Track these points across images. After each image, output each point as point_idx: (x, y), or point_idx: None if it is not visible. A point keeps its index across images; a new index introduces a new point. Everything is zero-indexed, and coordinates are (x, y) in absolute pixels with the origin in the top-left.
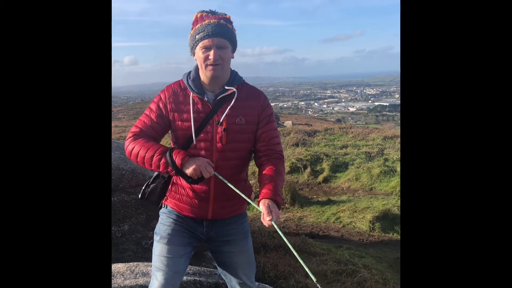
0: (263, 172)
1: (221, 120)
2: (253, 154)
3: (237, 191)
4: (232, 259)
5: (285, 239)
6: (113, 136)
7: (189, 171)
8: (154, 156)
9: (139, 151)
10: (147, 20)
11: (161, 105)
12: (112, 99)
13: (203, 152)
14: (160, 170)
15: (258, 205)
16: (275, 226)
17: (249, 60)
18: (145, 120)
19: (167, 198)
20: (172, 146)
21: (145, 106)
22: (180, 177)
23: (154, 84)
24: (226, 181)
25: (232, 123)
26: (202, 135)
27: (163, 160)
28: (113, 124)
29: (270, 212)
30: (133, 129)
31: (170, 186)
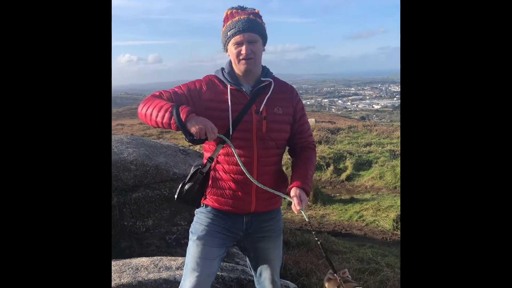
0: (296, 161)
1: (260, 109)
2: (287, 146)
3: (264, 187)
4: (266, 255)
5: (306, 217)
6: (137, 133)
7: (193, 129)
8: (163, 108)
9: (149, 106)
10: (170, 18)
11: (191, 87)
12: (137, 96)
13: (243, 142)
14: (164, 122)
15: (289, 193)
16: (303, 213)
17: (271, 57)
18: (170, 91)
19: (205, 197)
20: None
21: None
22: (221, 171)
23: (178, 82)
24: (236, 155)
25: (271, 112)
26: (241, 125)
27: (170, 110)
28: (137, 121)
29: (300, 201)
30: (154, 93)
31: (210, 182)
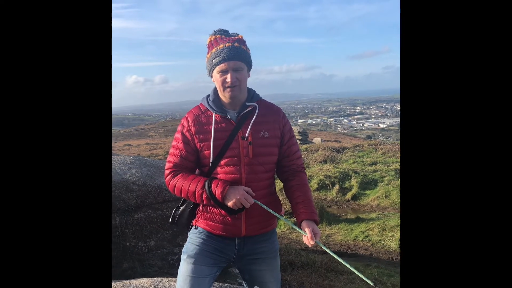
0: (293, 188)
1: (246, 135)
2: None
3: (277, 215)
4: (261, 277)
5: (332, 254)
6: (144, 154)
7: (230, 203)
8: (196, 192)
9: (181, 186)
10: (177, 40)
11: (185, 132)
12: (144, 117)
13: (231, 168)
14: (205, 203)
15: (299, 227)
16: (320, 245)
17: (277, 77)
18: (175, 153)
19: (198, 219)
20: (202, 169)
21: (176, 123)
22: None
23: (184, 102)
24: (265, 207)
25: (257, 137)
26: (228, 152)
27: (204, 195)
28: (144, 141)
29: (313, 234)
30: (168, 165)
31: (200, 207)
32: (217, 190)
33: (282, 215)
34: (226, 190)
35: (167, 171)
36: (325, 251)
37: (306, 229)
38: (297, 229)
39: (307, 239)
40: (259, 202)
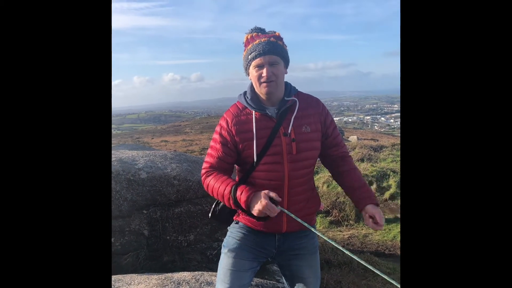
0: (346, 174)
1: (288, 131)
2: (319, 159)
3: (308, 225)
4: (301, 273)
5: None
6: (180, 149)
7: (255, 212)
8: (225, 196)
9: (213, 186)
10: (213, 37)
11: (224, 133)
12: (180, 114)
13: (274, 166)
14: (233, 208)
15: (361, 211)
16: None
17: (312, 74)
18: (213, 154)
19: (239, 215)
20: (238, 171)
21: (211, 120)
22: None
23: (219, 99)
24: (293, 216)
25: (299, 132)
26: (271, 149)
27: (231, 200)
28: (180, 138)
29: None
30: (204, 165)
31: None
32: (242, 198)
33: (321, 209)
34: (250, 199)
35: (203, 171)
36: (361, 250)
37: (376, 214)
38: (326, 238)
39: (372, 223)
40: (285, 211)
